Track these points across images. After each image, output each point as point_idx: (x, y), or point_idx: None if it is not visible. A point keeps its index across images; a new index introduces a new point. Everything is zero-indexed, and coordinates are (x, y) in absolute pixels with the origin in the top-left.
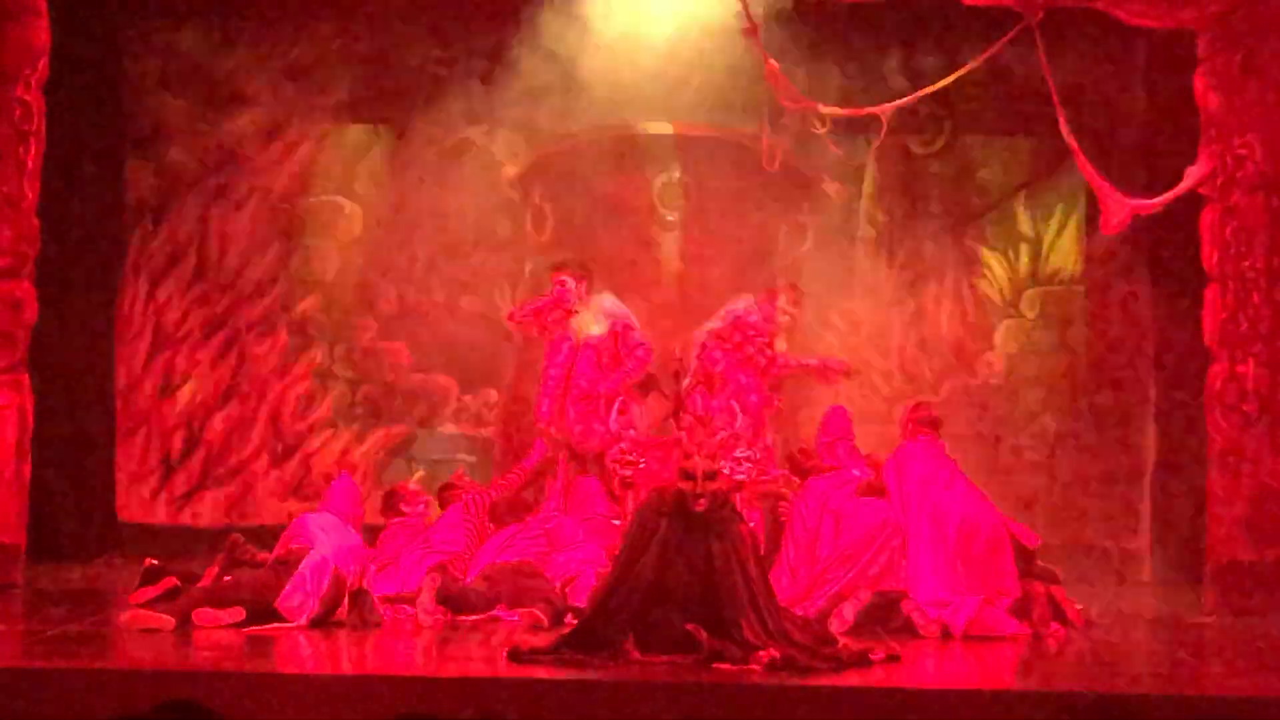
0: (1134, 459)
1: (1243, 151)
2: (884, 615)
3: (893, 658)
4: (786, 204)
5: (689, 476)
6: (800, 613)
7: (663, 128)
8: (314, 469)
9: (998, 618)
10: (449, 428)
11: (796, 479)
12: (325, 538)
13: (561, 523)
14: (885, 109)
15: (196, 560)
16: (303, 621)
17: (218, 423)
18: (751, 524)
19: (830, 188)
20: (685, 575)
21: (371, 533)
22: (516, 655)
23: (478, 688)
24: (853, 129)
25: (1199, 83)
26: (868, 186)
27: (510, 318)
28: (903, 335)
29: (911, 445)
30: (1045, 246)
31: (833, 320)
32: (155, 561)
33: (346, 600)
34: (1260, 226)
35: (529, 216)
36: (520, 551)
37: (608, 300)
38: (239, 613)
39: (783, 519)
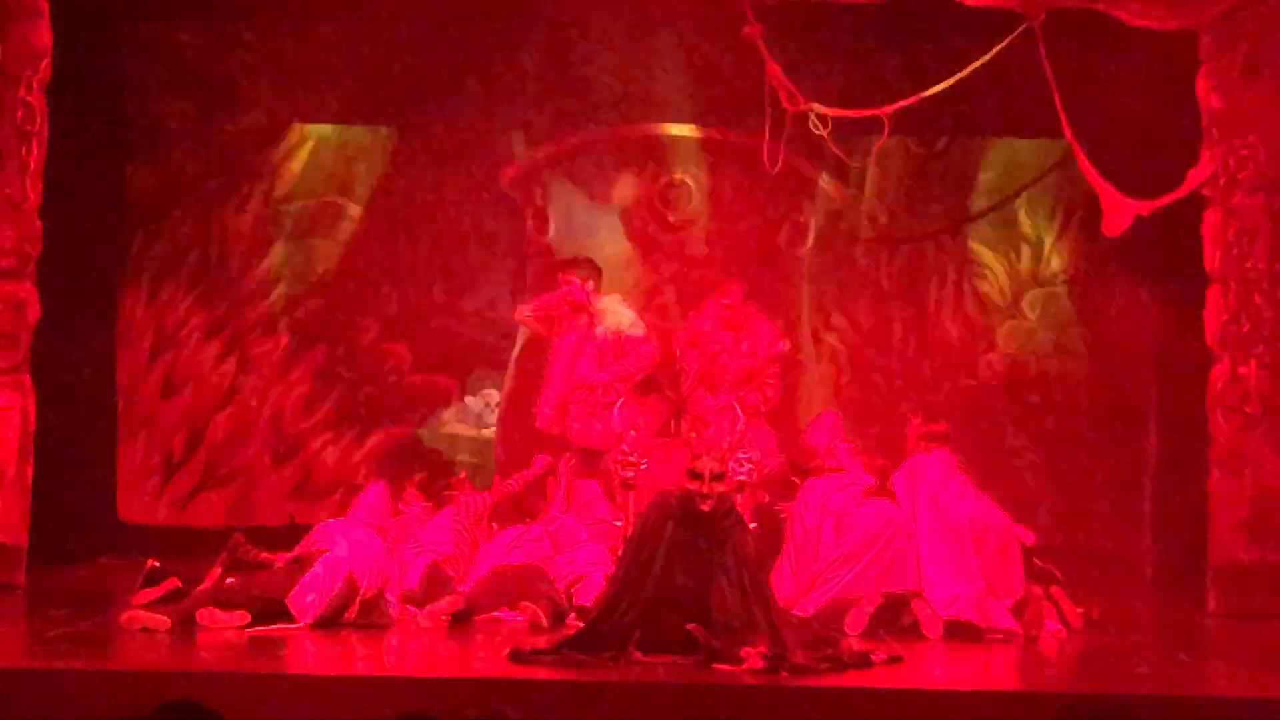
0: (1135, 460)
1: (1245, 152)
2: (890, 616)
3: (895, 659)
4: (788, 204)
5: (696, 476)
6: (799, 613)
7: (664, 128)
8: (315, 470)
9: (997, 610)
10: (450, 428)
11: (796, 479)
12: (345, 542)
13: (564, 524)
14: (887, 110)
15: (198, 561)
16: (310, 621)
17: (219, 423)
18: (753, 525)
19: (831, 188)
20: (690, 581)
21: None
22: (518, 656)
23: (479, 688)
24: (854, 130)
25: (1201, 84)
26: (869, 187)
27: (518, 315)
28: (903, 336)
29: (924, 457)
30: (1046, 247)
31: (834, 321)
32: (157, 563)
33: (357, 605)
34: (1262, 227)
35: (530, 217)
36: (526, 554)
37: (616, 302)
38: (244, 616)
39: (782, 515)
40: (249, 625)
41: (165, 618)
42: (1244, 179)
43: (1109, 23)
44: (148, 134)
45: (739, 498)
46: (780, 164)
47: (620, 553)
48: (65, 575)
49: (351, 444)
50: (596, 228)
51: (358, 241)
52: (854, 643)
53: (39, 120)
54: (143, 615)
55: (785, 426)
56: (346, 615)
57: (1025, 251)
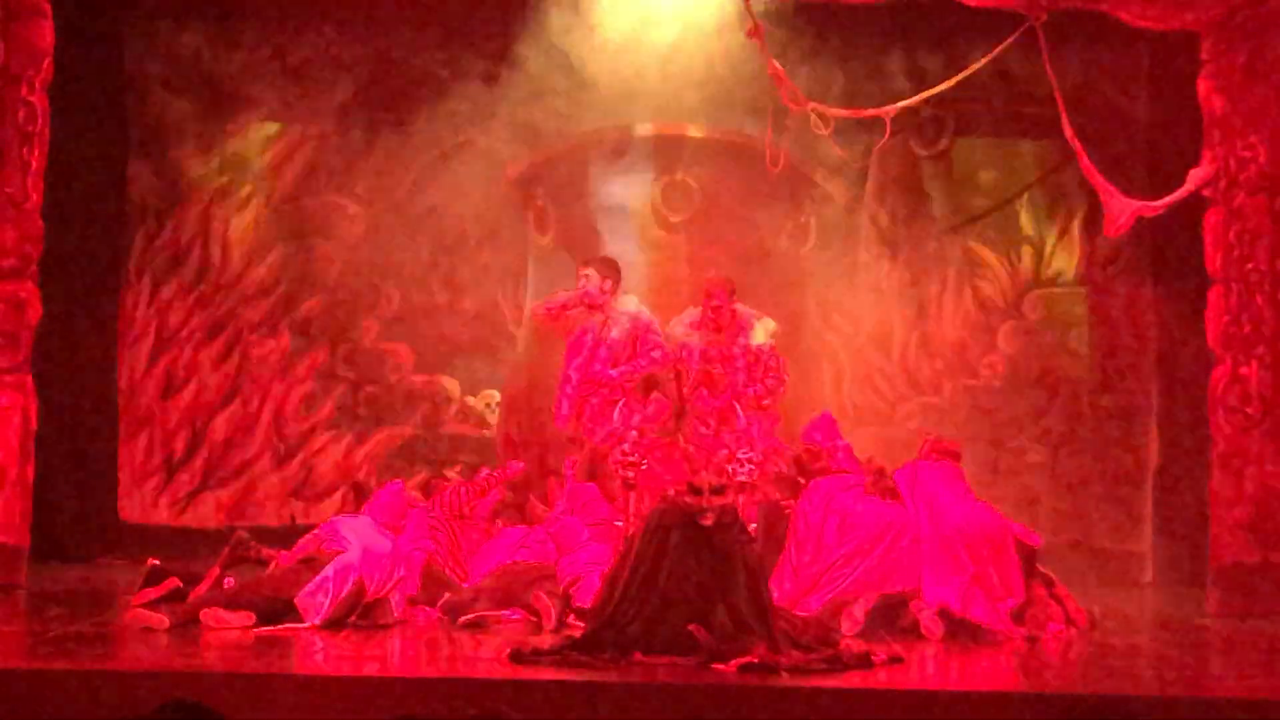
0: (1136, 461)
1: (1246, 154)
2: (890, 616)
3: (895, 659)
4: (789, 205)
5: (696, 491)
6: (801, 613)
7: (666, 129)
8: (316, 470)
9: (994, 611)
10: (451, 429)
11: (802, 480)
12: (356, 543)
13: (566, 525)
14: (888, 110)
15: (198, 561)
16: (316, 621)
17: (220, 423)
18: (752, 526)
19: (833, 188)
20: (693, 587)
21: None
22: (518, 656)
23: (479, 688)
24: (855, 130)
25: (1203, 85)
26: (870, 187)
27: (534, 313)
28: (905, 336)
29: (931, 465)
30: (1048, 248)
31: (835, 321)
32: (157, 562)
33: (362, 608)
34: (1263, 229)
35: (531, 217)
36: (533, 554)
37: (632, 303)
38: (248, 617)
39: (787, 509)
40: (255, 625)
41: (163, 616)
42: (1245, 180)
43: (1110, 24)
44: (148, 134)
45: (740, 498)
46: (781, 164)
47: (620, 554)
48: (65, 575)
49: (352, 444)
50: (597, 228)
51: (358, 241)
52: (854, 643)
53: (41, 120)
54: (143, 614)
55: (786, 427)
56: (350, 616)
57: (1026, 252)
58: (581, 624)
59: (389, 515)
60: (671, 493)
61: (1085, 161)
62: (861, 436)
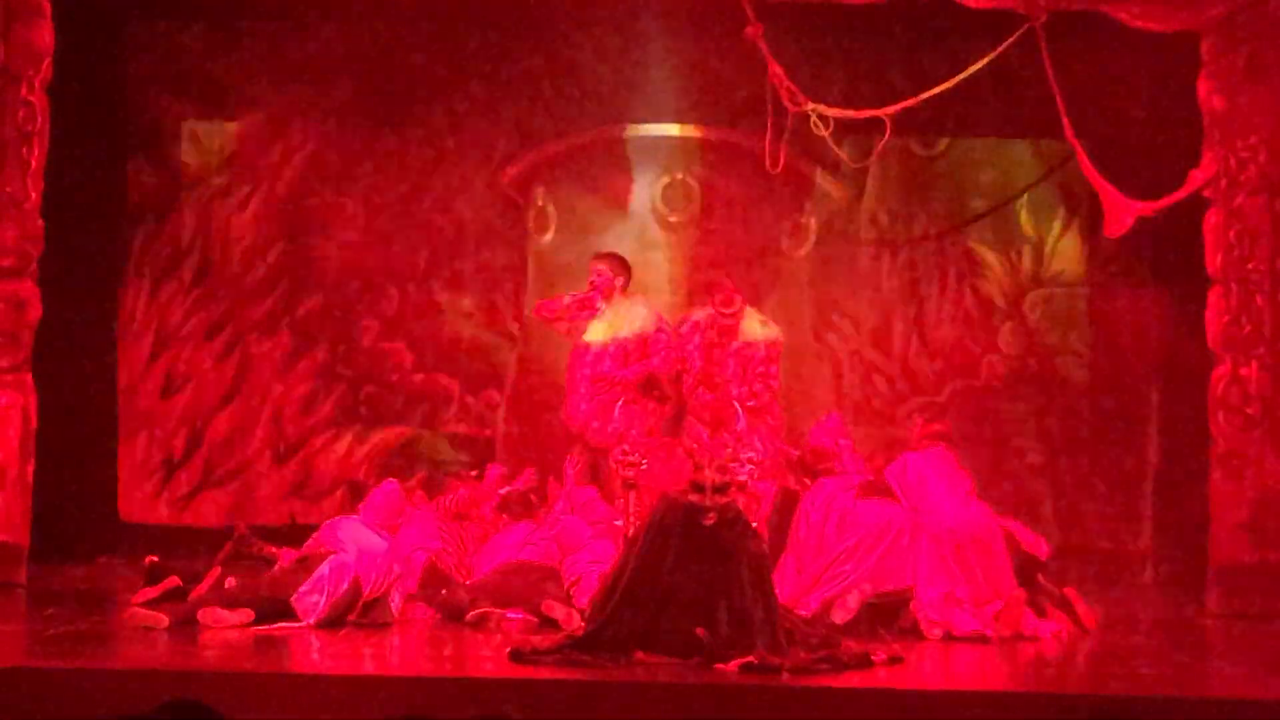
0: (1136, 461)
1: (1246, 154)
2: (889, 616)
3: (895, 659)
4: (789, 205)
5: (699, 489)
6: (802, 611)
7: (665, 129)
8: (316, 469)
9: (981, 617)
10: (451, 428)
11: (807, 480)
12: (352, 543)
13: (568, 524)
14: (888, 111)
15: (198, 560)
16: (312, 621)
17: (220, 423)
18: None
19: (832, 189)
20: (695, 586)
21: None
22: (519, 656)
23: (479, 688)
24: (855, 130)
25: (1203, 85)
26: (870, 187)
27: (537, 311)
28: (905, 337)
29: (916, 455)
30: (1048, 248)
31: (835, 321)
32: (156, 559)
33: (359, 607)
34: (1264, 229)
35: (531, 217)
36: (537, 552)
37: (641, 304)
38: (247, 614)
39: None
40: (252, 624)
41: (163, 615)
42: (1245, 181)
43: (1110, 24)
44: (149, 133)
45: (741, 498)
46: (781, 164)
47: (620, 554)
48: (65, 574)
49: (352, 444)
50: (597, 228)
51: (358, 241)
52: (854, 643)
53: (40, 120)
54: (142, 613)
55: (787, 428)
56: (349, 615)
57: (1026, 252)
58: (581, 624)
59: (383, 515)
60: (673, 491)
61: (1085, 161)
62: (862, 436)
